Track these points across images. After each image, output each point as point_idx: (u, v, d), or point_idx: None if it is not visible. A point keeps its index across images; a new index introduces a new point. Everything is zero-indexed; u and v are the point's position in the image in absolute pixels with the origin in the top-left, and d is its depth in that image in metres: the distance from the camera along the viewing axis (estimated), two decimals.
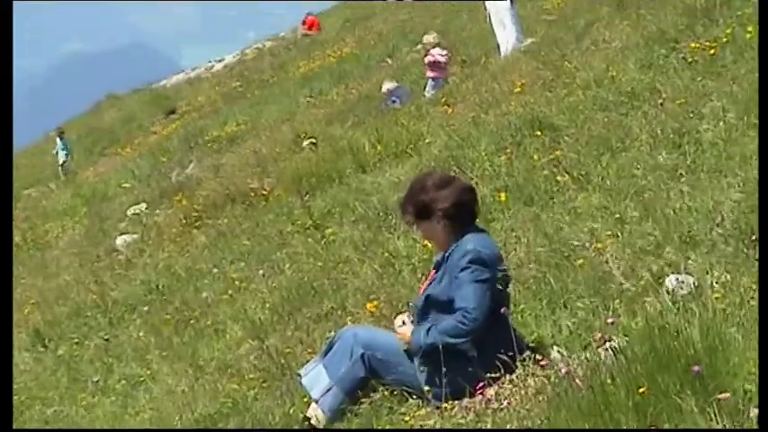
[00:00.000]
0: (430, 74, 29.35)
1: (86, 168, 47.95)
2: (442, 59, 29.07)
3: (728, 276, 10.42)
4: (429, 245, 12.53)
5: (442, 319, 10.93)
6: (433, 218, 11.29)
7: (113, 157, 45.75)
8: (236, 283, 18.19)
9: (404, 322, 11.31)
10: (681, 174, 13.64)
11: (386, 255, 15.17)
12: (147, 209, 29.95)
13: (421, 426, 10.41)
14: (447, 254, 11.15)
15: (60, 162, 50.35)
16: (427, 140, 20.99)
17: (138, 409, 14.92)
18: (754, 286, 9.90)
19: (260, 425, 12.02)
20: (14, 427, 16.30)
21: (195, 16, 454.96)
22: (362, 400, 11.17)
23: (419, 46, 30.42)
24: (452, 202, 11.33)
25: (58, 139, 53.04)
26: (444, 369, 10.62)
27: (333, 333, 12.04)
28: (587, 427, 8.84)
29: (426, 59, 29.95)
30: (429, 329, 10.77)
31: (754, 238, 11.16)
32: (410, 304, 11.91)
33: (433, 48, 30.58)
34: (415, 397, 10.93)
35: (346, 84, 35.91)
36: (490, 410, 9.86)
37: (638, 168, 14.39)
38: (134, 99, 64.21)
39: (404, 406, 10.88)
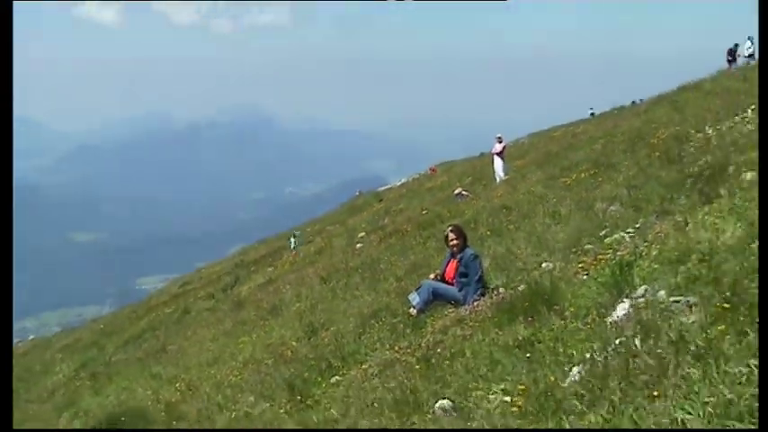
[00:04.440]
0: (462, 195, 28.79)
1: (348, 218, 46.97)
2: (466, 193, 28.81)
3: (562, 264, 10.31)
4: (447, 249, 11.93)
5: (464, 280, 10.99)
6: (464, 239, 11.28)
7: (356, 216, 45.57)
8: (393, 261, 18.20)
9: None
10: (551, 225, 13.49)
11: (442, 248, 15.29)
12: (366, 234, 29.97)
13: (448, 314, 10.42)
14: (461, 255, 11.13)
15: (293, 248, 44.13)
16: (466, 213, 20.91)
17: (357, 305, 14.69)
18: (577, 266, 9.80)
19: (393, 314, 11.96)
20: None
21: (391, 165, 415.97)
22: (431, 307, 11.10)
23: (457, 191, 30.17)
24: (465, 234, 11.34)
25: (292, 237, 47.40)
26: (468, 297, 10.66)
27: (421, 281, 11.83)
28: (508, 318, 8.89)
29: (459, 192, 29.59)
30: (470, 292, 10.80)
31: (574, 249, 11.07)
32: (437, 271, 11.78)
33: (460, 189, 30.63)
34: (450, 306, 10.82)
35: (445, 192, 35.59)
36: (475, 311, 9.84)
37: (536, 224, 14.24)
38: (363, 198, 62.02)
39: (445, 309, 10.82)
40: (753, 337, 5.32)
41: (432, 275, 11.71)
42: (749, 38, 37.55)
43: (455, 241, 11.33)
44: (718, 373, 4.93)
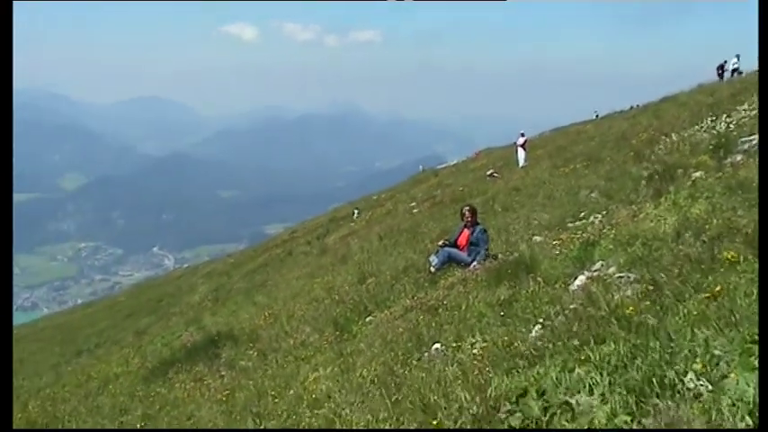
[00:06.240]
0: (493, 176, 27.87)
1: (412, 189, 44.27)
2: (497, 175, 27.82)
3: (549, 240, 9.83)
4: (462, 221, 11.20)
5: (475, 248, 10.61)
6: (476, 215, 10.93)
7: (417, 187, 43.60)
8: (430, 226, 17.55)
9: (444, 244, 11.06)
10: (546, 206, 12.93)
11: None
12: (421, 203, 28.50)
13: (455, 274, 10.03)
14: (473, 229, 10.79)
15: (356, 218, 38.73)
16: (488, 192, 20.20)
17: (397, 260, 14.07)
18: (554, 242, 9.30)
19: (418, 270, 11.62)
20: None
21: (450, 148, 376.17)
22: (446, 267, 10.76)
23: (489, 172, 29.02)
24: (477, 212, 10.96)
25: (355, 210, 42.08)
26: (473, 261, 10.31)
27: (439, 247, 11.43)
28: (496, 281, 8.51)
29: (491, 173, 28.66)
30: (477, 258, 10.34)
31: (558, 227, 10.56)
32: (448, 240, 11.27)
33: (492, 171, 29.57)
34: (461, 267, 10.48)
35: (482, 172, 33.89)
36: (475, 273, 9.49)
37: (535, 205, 13.67)
38: (424, 173, 56.86)
39: (456, 270, 10.47)
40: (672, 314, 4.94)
41: (441, 241, 11.43)
42: (736, 55, 35.48)
43: (469, 218, 11.07)
44: (634, 345, 4.57)
